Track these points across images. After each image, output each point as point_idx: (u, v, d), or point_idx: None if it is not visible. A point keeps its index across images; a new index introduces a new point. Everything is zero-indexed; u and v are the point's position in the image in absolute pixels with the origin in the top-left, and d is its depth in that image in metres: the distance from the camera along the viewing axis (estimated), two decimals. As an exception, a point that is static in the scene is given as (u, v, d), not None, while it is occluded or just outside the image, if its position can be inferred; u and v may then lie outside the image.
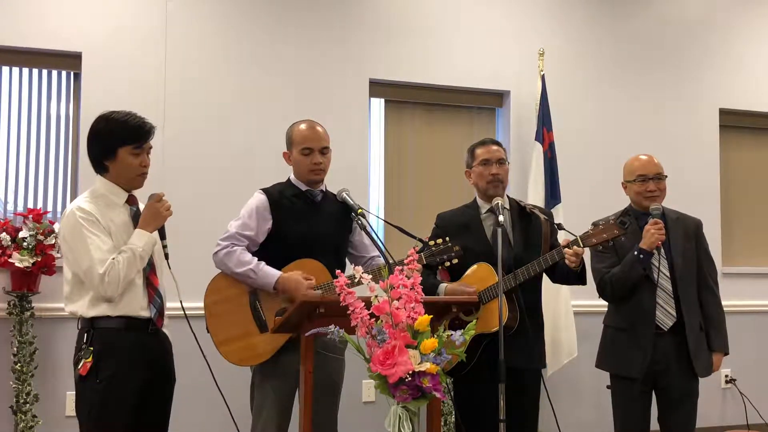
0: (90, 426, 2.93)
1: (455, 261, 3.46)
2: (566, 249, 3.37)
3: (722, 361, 3.84)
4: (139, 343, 2.97)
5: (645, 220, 3.68)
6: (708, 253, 3.87)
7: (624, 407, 3.78)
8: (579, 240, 3.39)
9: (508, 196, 3.77)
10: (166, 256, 3.12)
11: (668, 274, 3.69)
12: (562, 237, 3.58)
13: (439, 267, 3.50)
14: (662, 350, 3.66)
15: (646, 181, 3.77)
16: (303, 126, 3.58)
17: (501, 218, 3.35)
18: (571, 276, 3.54)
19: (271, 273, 3.36)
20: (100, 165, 3.03)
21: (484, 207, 3.70)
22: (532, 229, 3.65)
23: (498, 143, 3.76)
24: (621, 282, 3.70)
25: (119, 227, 3.00)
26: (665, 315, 3.67)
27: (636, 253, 3.60)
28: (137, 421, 2.96)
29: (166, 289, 3.16)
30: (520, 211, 3.69)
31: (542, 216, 3.64)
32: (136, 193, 3.14)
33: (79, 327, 3.01)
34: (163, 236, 3.12)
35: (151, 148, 3.08)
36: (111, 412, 2.89)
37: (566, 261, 3.38)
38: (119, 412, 2.90)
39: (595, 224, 3.47)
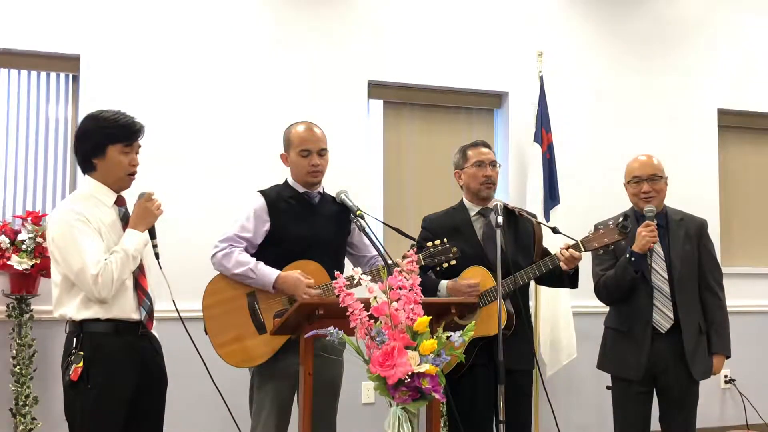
0: (84, 430, 2.88)
1: (453, 262, 3.46)
2: (562, 251, 3.37)
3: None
4: (129, 346, 2.93)
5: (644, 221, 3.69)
6: (711, 255, 3.84)
7: (624, 408, 3.78)
8: (580, 244, 3.38)
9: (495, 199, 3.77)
10: (157, 256, 3.08)
11: (666, 275, 3.68)
12: (560, 241, 3.57)
13: (437, 268, 3.49)
14: (660, 352, 3.66)
15: (641, 182, 3.75)
16: (300, 128, 3.58)
17: (500, 219, 3.35)
18: (564, 279, 3.54)
19: (269, 272, 3.36)
20: (88, 164, 2.98)
21: (473, 209, 3.70)
22: (521, 231, 3.65)
23: (488, 146, 3.77)
24: (614, 284, 3.70)
25: (108, 228, 2.95)
26: (662, 317, 3.66)
27: (628, 255, 3.59)
28: (130, 424, 2.93)
29: (155, 291, 3.12)
30: (508, 214, 3.68)
31: (534, 220, 3.64)
32: (125, 193, 3.08)
33: (68, 331, 2.96)
34: (153, 236, 3.07)
35: (140, 147, 3.04)
36: (103, 418, 2.84)
37: (561, 263, 3.38)
38: (111, 418, 2.86)
39: (596, 228, 3.46)
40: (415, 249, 3.44)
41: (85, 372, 2.84)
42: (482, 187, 3.65)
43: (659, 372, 3.67)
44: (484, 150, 3.71)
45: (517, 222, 3.67)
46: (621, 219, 3.39)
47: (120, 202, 3.05)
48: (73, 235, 2.85)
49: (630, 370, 3.69)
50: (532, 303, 4.41)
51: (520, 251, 3.59)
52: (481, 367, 3.36)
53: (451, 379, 3.48)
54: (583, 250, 3.39)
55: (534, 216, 3.76)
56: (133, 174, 3.02)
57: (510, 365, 3.31)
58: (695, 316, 3.71)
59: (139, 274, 3.00)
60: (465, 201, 3.75)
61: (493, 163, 3.68)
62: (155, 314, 3.09)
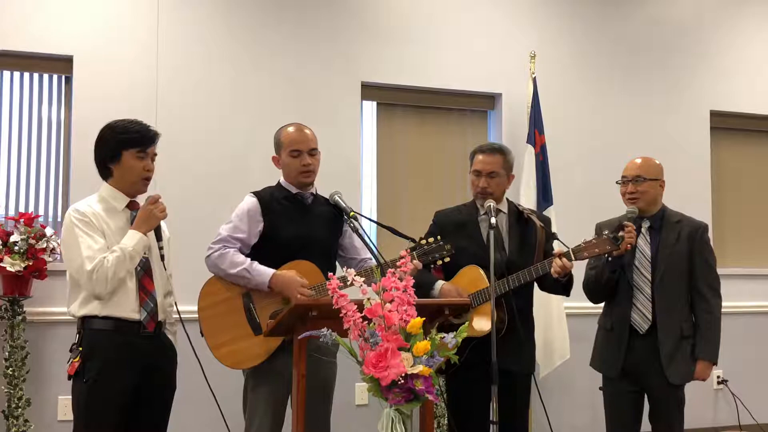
0: (78, 425, 2.99)
1: (447, 260, 3.47)
2: (555, 260, 3.38)
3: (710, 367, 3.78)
4: (128, 345, 3.00)
5: (638, 222, 3.71)
6: (705, 258, 3.80)
7: (612, 407, 3.82)
8: (571, 253, 3.39)
9: (507, 200, 3.78)
10: (162, 258, 3.16)
11: (649, 276, 3.70)
12: (556, 247, 3.58)
13: (431, 266, 3.51)
14: (638, 352, 3.68)
15: (626, 183, 3.79)
16: (291, 129, 3.59)
17: (493, 221, 3.36)
18: (558, 286, 3.56)
19: (265, 271, 3.37)
20: (105, 170, 3.13)
21: (481, 208, 3.70)
22: (528, 234, 3.65)
23: (499, 151, 3.70)
24: (594, 284, 3.75)
25: (115, 231, 3.06)
26: (641, 317, 3.68)
27: (605, 255, 3.60)
28: (128, 424, 3.00)
29: (176, 294, 3.25)
30: (518, 216, 3.69)
31: (538, 222, 3.64)
32: (139, 198, 3.20)
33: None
34: (159, 238, 3.17)
35: (155, 154, 3.18)
36: (96, 412, 2.94)
37: (551, 271, 3.39)
38: (104, 413, 2.94)
39: (598, 229, 3.47)
40: (409, 248, 3.45)
41: (81, 367, 2.96)
42: (478, 196, 3.68)
43: (639, 372, 3.69)
44: (486, 158, 3.67)
45: (526, 224, 3.67)
46: (614, 230, 3.39)
47: (132, 206, 3.15)
48: (74, 234, 2.99)
49: (608, 368, 3.75)
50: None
51: (524, 254, 3.59)
52: (475, 365, 3.36)
53: (446, 374, 3.50)
54: (573, 259, 3.39)
55: (544, 219, 3.76)
56: (147, 179, 3.15)
57: (507, 366, 3.32)
58: (677, 319, 3.70)
59: (143, 276, 3.08)
60: (475, 199, 3.77)
61: (491, 174, 3.65)
62: (177, 319, 3.25)
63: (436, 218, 3.82)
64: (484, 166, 3.66)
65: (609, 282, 3.68)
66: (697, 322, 3.75)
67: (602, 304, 3.92)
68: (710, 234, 5.80)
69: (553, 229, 3.81)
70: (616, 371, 3.70)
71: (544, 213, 5.19)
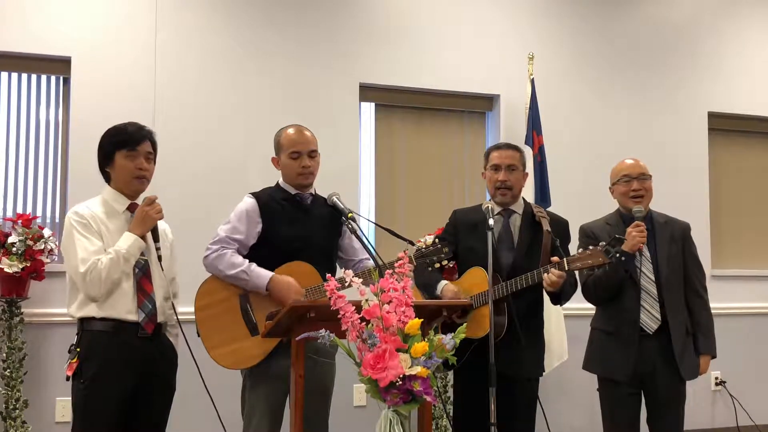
0: (76, 425, 3.01)
1: (444, 263, 3.48)
2: (552, 270, 3.36)
3: (711, 364, 3.85)
4: (126, 346, 3.01)
5: (630, 223, 3.70)
6: (695, 257, 3.86)
7: (612, 409, 3.80)
8: (565, 263, 3.38)
9: (524, 200, 3.77)
10: (159, 259, 3.16)
11: (653, 277, 3.70)
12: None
13: (429, 269, 3.51)
14: (648, 353, 3.67)
15: (631, 180, 3.78)
16: (290, 130, 3.59)
17: (491, 222, 3.36)
18: (552, 295, 3.56)
19: (263, 274, 3.36)
20: (105, 174, 3.17)
21: (496, 209, 3.69)
22: (539, 237, 3.63)
23: (515, 147, 3.73)
24: (603, 284, 3.71)
25: (114, 233, 3.07)
26: (650, 318, 3.68)
27: (596, 268, 3.58)
28: (127, 424, 3.01)
29: (180, 296, 3.27)
30: (531, 218, 3.68)
31: (545, 227, 3.62)
32: (140, 199, 3.20)
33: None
34: (156, 239, 3.17)
35: (149, 153, 3.18)
36: (93, 412, 2.95)
37: (543, 282, 3.39)
38: (102, 414, 2.95)
39: (591, 246, 3.45)
40: (407, 250, 3.44)
41: (79, 368, 2.97)
42: (497, 192, 3.66)
43: (647, 373, 3.68)
44: (505, 152, 3.68)
45: (539, 227, 3.64)
46: (608, 242, 3.35)
47: (132, 208, 3.16)
48: (72, 236, 3.01)
49: (617, 371, 3.71)
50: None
51: (531, 258, 3.56)
52: (477, 367, 3.35)
53: (453, 371, 3.51)
54: (566, 269, 3.39)
55: (562, 222, 3.74)
56: (141, 177, 3.15)
57: (508, 371, 3.31)
58: (682, 318, 3.73)
59: (142, 277, 3.08)
60: (493, 197, 3.75)
61: (510, 167, 3.64)
62: (176, 322, 3.25)
63: (452, 217, 3.83)
64: (503, 159, 3.66)
65: (621, 282, 3.67)
66: (696, 319, 3.78)
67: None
68: (708, 235, 5.92)
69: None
70: (626, 374, 3.67)
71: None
